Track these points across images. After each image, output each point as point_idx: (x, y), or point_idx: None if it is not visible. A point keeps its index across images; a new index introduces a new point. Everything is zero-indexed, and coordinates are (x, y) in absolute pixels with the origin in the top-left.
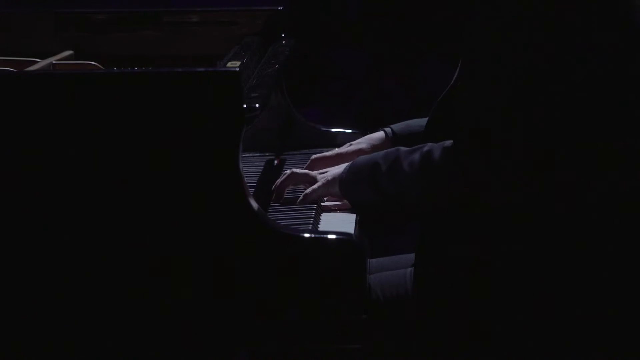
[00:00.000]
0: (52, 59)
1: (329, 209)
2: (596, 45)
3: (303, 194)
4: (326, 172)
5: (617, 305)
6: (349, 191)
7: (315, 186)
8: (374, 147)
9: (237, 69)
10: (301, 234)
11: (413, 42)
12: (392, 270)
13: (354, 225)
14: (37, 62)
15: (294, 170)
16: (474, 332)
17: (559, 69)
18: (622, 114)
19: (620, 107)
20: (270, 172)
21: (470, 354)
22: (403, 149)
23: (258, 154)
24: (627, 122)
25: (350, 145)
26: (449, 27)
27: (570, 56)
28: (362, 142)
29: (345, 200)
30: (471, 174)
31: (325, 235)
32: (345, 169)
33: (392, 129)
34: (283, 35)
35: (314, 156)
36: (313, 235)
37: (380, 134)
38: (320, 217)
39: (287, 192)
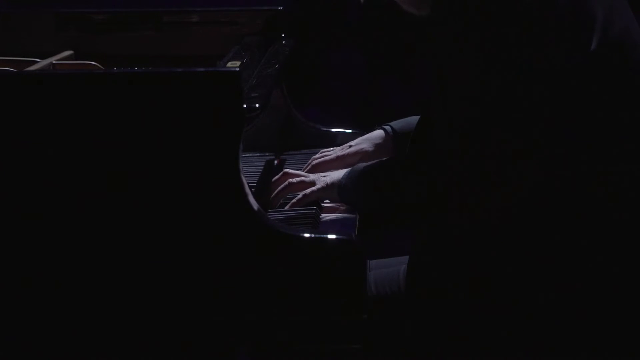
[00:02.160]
0: (52, 59)
1: (329, 209)
2: (553, 62)
3: (302, 193)
4: (325, 176)
5: (617, 304)
6: (348, 197)
7: (314, 188)
8: (377, 146)
9: (237, 69)
10: (301, 234)
11: (413, 42)
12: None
13: (354, 225)
14: (37, 62)
15: (290, 180)
16: (468, 330)
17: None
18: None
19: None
20: (270, 172)
21: (464, 352)
22: (402, 157)
23: (258, 154)
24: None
25: (350, 146)
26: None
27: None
28: (362, 143)
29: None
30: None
31: (325, 235)
32: (344, 175)
33: (391, 127)
34: (283, 35)
35: (314, 162)
36: (313, 235)
37: (379, 133)
38: (320, 217)
39: (288, 196)
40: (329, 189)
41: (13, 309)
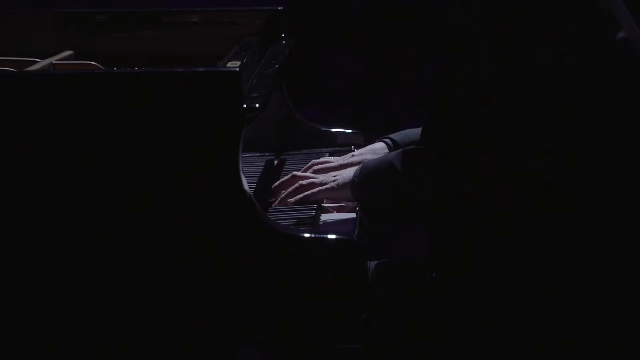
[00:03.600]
0: (52, 59)
1: (329, 209)
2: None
3: (310, 191)
4: (336, 176)
5: (618, 305)
6: (362, 193)
7: (323, 187)
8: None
9: (237, 69)
10: (301, 234)
11: (412, 43)
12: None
13: (354, 225)
14: (37, 62)
15: (300, 182)
16: (469, 330)
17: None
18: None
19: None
20: (270, 172)
21: (465, 352)
22: (416, 147)
23: (258, 154)
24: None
25: (353, 155)
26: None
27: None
28: (365, 154)
29: (344, 203)
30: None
31: (325, 235)
32: (356, 172)
33: (391, 139)
34: (283, 35)
35: (316, 167)
36: (313, 235)
37: (381, 144)
38: (320, 217)
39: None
40: (341, 189)
41: (13, 309)
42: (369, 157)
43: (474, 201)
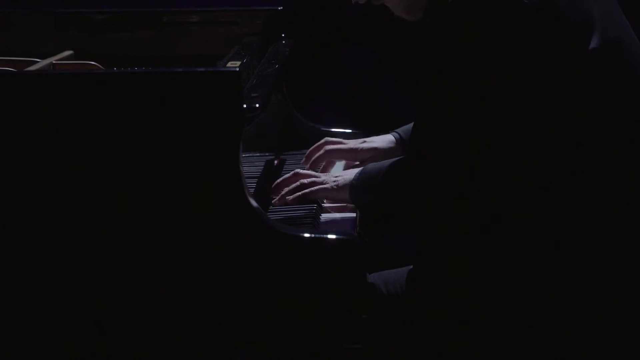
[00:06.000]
0: (52, 59)
1: (329, 209)
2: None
3: (309, 190)
4: (337, 176)
5: (616, 304)
6: (359, 197)
7: (323, 187)
8: (389, 148)
9: (237, 69)
10: (301, 234)
11: (414, 42)
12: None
13: (354, 225)
14: (37, 62)
15: (302, 180)
16: (472, 331)
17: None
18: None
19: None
20: (270, 172)
21: (469, 353)
22: (412, 156)
23: (258, 154)
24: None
25: (364, 142)
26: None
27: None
28: (376, 141)
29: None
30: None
31: (325, 235)
32: (355, 175)
33: (399, 134)
34: (283, 35)
35: (329, 147)
36: (313, 235)
37: (390, 137)
38: (320, 217)
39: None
40: (341, 190)
41: (13, 309)
42: (378, 144)
43: (465, 208)
